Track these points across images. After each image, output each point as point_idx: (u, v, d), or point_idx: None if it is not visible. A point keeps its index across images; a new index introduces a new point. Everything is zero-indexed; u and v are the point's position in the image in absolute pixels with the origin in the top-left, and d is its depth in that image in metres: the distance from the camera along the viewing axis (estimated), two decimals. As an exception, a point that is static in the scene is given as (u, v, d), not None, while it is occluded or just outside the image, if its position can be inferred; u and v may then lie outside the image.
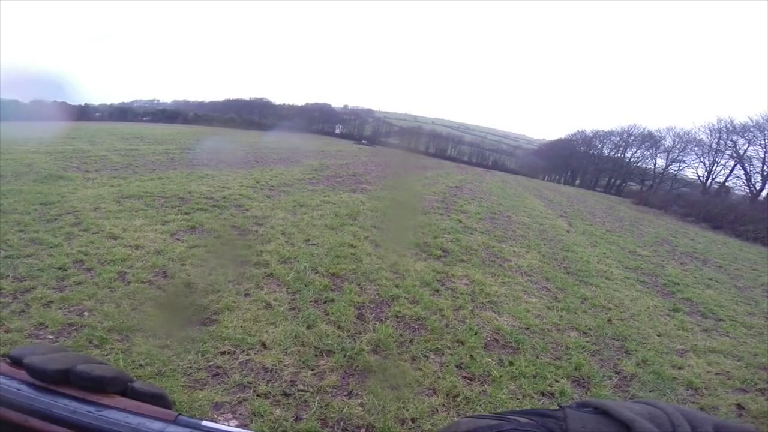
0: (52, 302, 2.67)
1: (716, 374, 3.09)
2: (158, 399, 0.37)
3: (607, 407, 0.30)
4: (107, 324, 2.51)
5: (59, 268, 3.17)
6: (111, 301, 2.81)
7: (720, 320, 4.41)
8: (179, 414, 0.34)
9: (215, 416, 1.89)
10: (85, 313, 2.62)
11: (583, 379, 2.72)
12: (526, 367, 2.70)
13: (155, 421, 0.33)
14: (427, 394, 2.27)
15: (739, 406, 2.67)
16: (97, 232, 4.06)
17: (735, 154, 28.49)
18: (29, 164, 7.00)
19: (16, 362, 0.36)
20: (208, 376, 2.18)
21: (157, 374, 2.13)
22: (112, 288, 3.00)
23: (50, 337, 2.37)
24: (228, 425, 0.34)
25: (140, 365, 2.19)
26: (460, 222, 7.14)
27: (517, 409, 0.40)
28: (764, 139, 26.19)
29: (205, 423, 0.34)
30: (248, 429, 0.31)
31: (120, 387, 0.36)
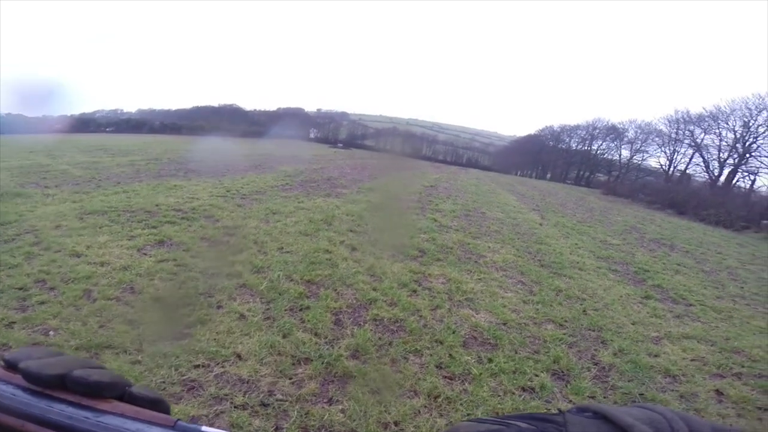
0: (14, 323, 2.59)
1: (692, 360, 3.16)
2: (156, 404, 0.36)
3: (607, 412, 0.31)
4: (74, 342, 2.44)
5: (20, 289, 3.05)
6: (77, 319, 2.72)
7: (690, 305, 4.55)
8: (178, 420, 0.34)
9: None
10: (51, 333, 2.55)
11: (563, 371, 2.76)
12: (505, 363, 2.72)
13: (154, 427, 0.33)
14: (408, 396, 2.26)
15: (718, 392, 2.72)
16: (59, 251, 3.88)
17: (693, 143, 30.07)
18: (-18, 182, 6.61)
19: (11, 366, 0.35)
20: (183, 390, 2.12)
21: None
22: (78, 306, 2.90)
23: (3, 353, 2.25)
24: (226, 431, 0.33)
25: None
26: (436, 221, 7.20)
27: (517, 413, 0.40)
28: (718, 129, 27.73)
29: (204, 429, 0.33)
30: None
31: (118, 392, 0.36)
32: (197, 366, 2.31)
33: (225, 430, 0.34)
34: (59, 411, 0.32)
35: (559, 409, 0.33)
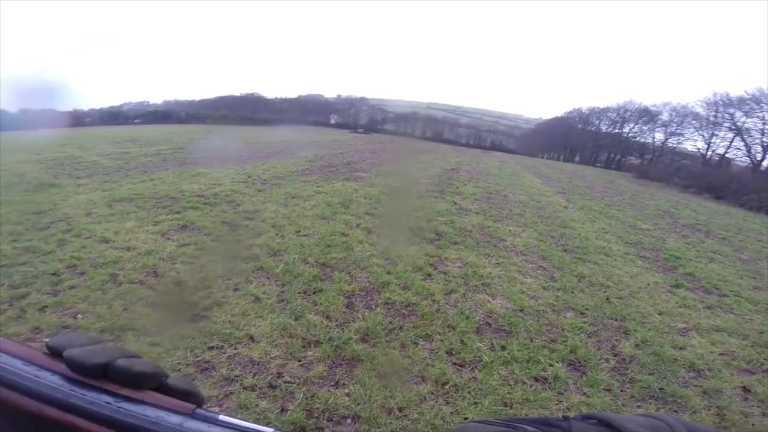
0: (46, 307, 2.72)
1: (720, 354, 2.97)
2: (191, 395, 0.37)
3: (611, 420, 0.31)
4: (100, 325, 2.55)
5: (53, 274, 3.22)
6: (103, 302, 2.84)
7: (724, 296, 4.27)
8: (196, 407, 0.34)
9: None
10: (79, 316, 2.67)
11: (579, 362, 2.65)
12: (518, 351, 2.64)
13: (174, 415, 0.33)
14: (415, 382, 2.24)
15: (745, 389, 2.55)
16: (89, 237, 4.07)
17: (733, 126, 28.60)
18: (20, 174, 6.98)
19: (54, 353, 0.36)
20: (197, 371, 2.18)
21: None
22: (105, 290, 3.03)
23: (46, 339, 2.38)
24: (243, 420, 0.34)
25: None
26: (455, 204, 7.08)
27: (523, 417, 0.40)
28: (761, 112, 26.21)
29: (222, 417, 0.34)
30: (263, 424, 0.31)
31: (156, 382, 0.36)
32: (211, 347, 2.38)
33: (242, 419, 0.33)
34: (101, 402, 0.33)
35: (564, 416, 0.34)
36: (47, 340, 0.37)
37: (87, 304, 2.79)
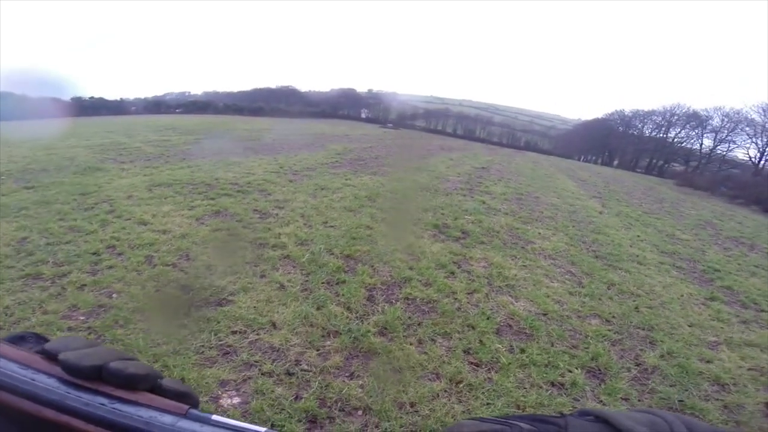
0: (85, 285, 2.87)
1: (748, 370, 2.83)
2: (185, 397, 0.38)
3: (608, 416, 0.31)
4: (132, 305, 2.67)
5: (93, 254, 3.41)
6: (137, 283, 2.99)
7: (762, 311, 4.03)
8: (189, 408, 0.35)
9: (219, 393, 1.97)
10: (114, 295, 2.80)
11: (599, 369, 2.57)
12: (538, 355, 2.59)
13: (166, 415, 0.34)
14: (429, 379, 2.24)
15: (767, 405, 2.44)
16: (129, 219, 4.29)
17: None
18: (70, 158, 7.46)
19: (50, 357, 0.37)
20: (218, 355, 2.26)
21: (172, 352, 2.24)
22: (139, 271, 3.18)
23: (81, 318, 2.53)
24: (236, 420, 0.35)
25: (158, 344, 2.30)
26: (484, 203, 6.98)
27: (519, 414, 0.40)
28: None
29: (214, 417, 0.34)
30: (256, 424, 0.33)
31: (150, 384, 0.37)
32: (235, 332, 2.46)
33: (235, 419, 0.35)
34: (95, 403, 0.34)
35: (560, 412, 0.34)
36: (44, 345, 0.38)
37: (122, 284, 2.93)
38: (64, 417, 0.33)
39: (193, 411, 0.35)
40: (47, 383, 0.34)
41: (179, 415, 0.34)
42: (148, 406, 0.34)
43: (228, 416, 0.35)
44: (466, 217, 5.81)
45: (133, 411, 0.34)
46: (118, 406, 0.34)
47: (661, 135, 38.54)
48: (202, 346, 2.31)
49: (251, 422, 0.35)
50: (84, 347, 0.37)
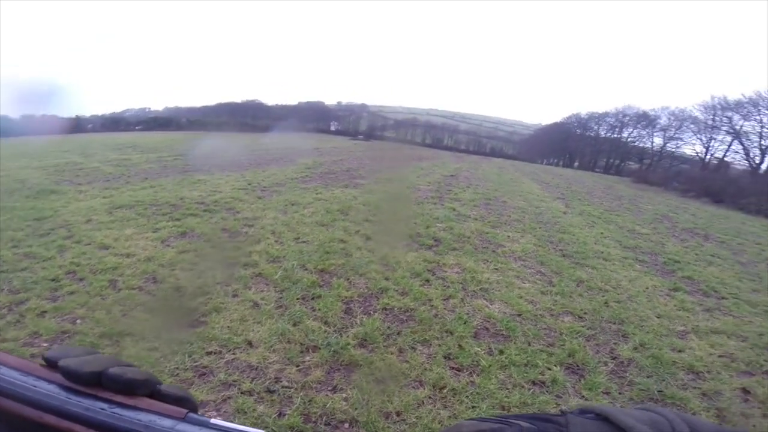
0: (45, 312, 2.74)
1: (719, 357, 2.98)
2: (183, 401, 0.38)
3: (608, 413, 0.31)
4: (98, 330, 2.57)
5: (52, 280, 3.24)
6: (102, 308, 2.86)
7: (723, 298, 4.29)
8: (188, 412, 0.35)
9: (199, 413, 1.89)
10: (78, 321, 2.68)
11: (577, 365, 2.65)
12: (516, 355, 2.65)
13: (165, 419, 0.34)
14: (413, 387, 2.25)
15: (744, 390, 2.56)
16: (89, 243, 4.09)
17: (731, 130, 28.85)
18: (22, 180, 7.02)
19: (50, 364, 0.37)
20: (195, 376, 2.20)
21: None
22: (104, 296, 3.05)
23: (44, 344, 2.42)
24: (236, 423, 0.35)
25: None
26: (454, 210, 7.11)
27: (520, 413, 0.41)
28: (759, 115, 26.44)
29: (213, 421, 0.35)
30: (255, 427, 0.33)
31: (149, 389, 0.37)
32: (210, 353, 2.39)
33: (234, 423, 0.35)
34: (96, 408, 0.34)
35: (561, 410, 0.34)
36: (45, 352, 0.39)
37: (86, 310, 2.80)
38: (66, 422, 0.34)
39: (192, 415, 0.35)
40: (48, 389, 0.35)
41: (178, 419, 0.35)
42: (148, 411, 0.35)
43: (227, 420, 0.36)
44: (437, 224, 5.90)
45: (133, 415, 0.34)
46: (118, 410, 0.35)
47: (616, 135, 40.78)
48: (177, 368, 2.23)
49: (250, 426, 0.35)
50: (83, 354, 0.38)
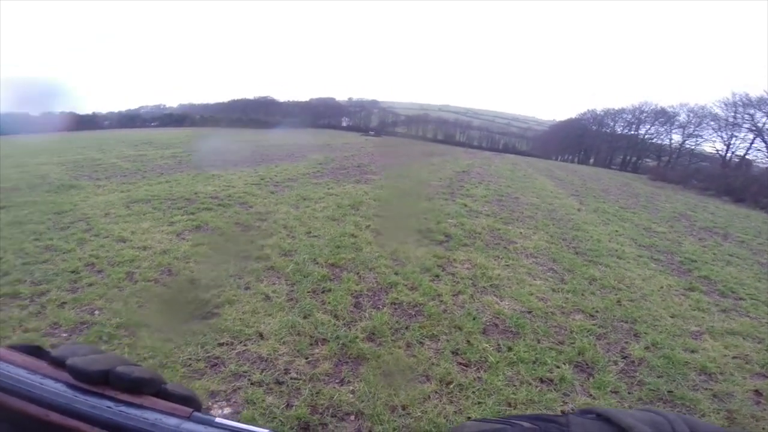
0: (65, 303, 2.83)
1: (733, 358, 2.91)
2: (188, 400, 0.38)
3: (610, 415, 0.31)
4: (116, 321, 2.64)
5: (72, 272, 3.34)
6: (119, 299, 2.94)
7: (740, 299, 4.16)
8: (194, 411, 0.36)
9: (210, 404, 1.94)
10: (96, 312, 2.76)
11: (586, 364, 2.62)
12: (525, 352, 2.63)
13: (171, 418, 0.35)
14: (419, 381, 2.26)
15: (757, 392, 2.50)
16: (107, 237, 4.20)
17: (754, 127, 27.92)
18: (42, 176, 7.24)
19: (57, 363, 0.37)
20: (206, 367, 2.24)
21: (159, 366, 2.22)
22: (121, 287, 3.14)
23: (64, 335, 2.51)
24: (240, 422, 0.36)
25: (144, 358, 2.28)
26: (466, 206, 7.08)
27: (521, 414, 0.42)
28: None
29: (218, 420, 0.35)
30: (260, 426, 0.34)
31: (154, 388, 0.38)
32: (221, 344, 2.44)
33: (239, 422, 0.36)
34: (102, 406, 0.35)
35: (562, 411, 0.35)
36: (51, 351, 0.39)
37: (104, 301, 2.89)
38: (72, 420, 0.34)
39: (197, 414, 0.36)
40: (55, 388, 0.36)
41: (183, 417, 0.35)
42: (153, 409, 0.35)
43: (232, 419, 0.36)
44: (448, 220, 5.88)
45: (139, 414, 0.35)
46: (124, 409, 0.35)
47: (633, 132, 39.95)
48: (189, 358, 2.29)
49: (255, 425, 0.36)
50: (90, 353, 0.38)
